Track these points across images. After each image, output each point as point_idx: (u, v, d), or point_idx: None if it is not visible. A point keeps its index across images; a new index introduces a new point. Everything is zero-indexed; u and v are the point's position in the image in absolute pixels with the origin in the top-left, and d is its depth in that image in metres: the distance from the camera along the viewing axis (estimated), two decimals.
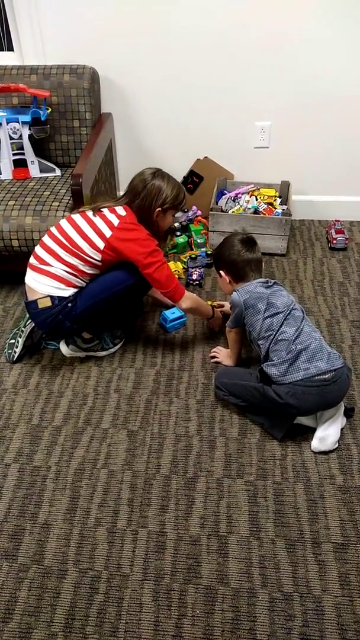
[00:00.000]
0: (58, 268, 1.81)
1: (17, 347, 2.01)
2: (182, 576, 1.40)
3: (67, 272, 1.82)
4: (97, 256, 1.81)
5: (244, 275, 1.81)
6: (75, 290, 1.87)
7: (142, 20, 2.33)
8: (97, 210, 1.83)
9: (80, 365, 2.03)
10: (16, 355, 2.01)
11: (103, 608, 1.35)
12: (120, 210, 1.84)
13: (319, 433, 1.68)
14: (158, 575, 1.41)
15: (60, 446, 1.74)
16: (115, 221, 1.80)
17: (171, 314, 2.17)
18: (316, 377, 1.60)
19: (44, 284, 1.83)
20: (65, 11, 2.32)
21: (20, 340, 2.01)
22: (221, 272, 1.88)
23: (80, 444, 1.74)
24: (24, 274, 1.91)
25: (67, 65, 2.33)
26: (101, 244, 1.79)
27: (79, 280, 1.85)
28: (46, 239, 1.85)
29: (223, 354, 1.99)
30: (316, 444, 1.68)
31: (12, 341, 2.03)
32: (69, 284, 1.84)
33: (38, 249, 1.85)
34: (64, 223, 1.85)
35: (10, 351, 2.02)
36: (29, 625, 1.32)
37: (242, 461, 1.68)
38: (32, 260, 1.86)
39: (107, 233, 1.78)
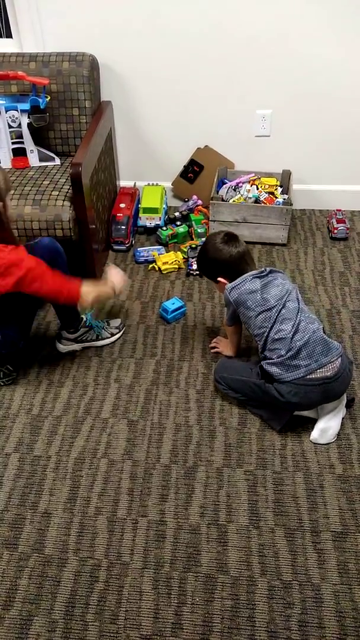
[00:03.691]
0: None
1: None
2: (181, 564, 1.41)
3: None
4: None
5: (241, 272, 1.73)
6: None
7: (142, 7, 2.29)
8: None
9: (80, 355, 2.03)
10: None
11: (103, 596, 1.36)
12: None
13: (320, 424, 1.68)
14: (158, 564, 1.41)
15: (61, 436, 1.75)
16: None
17: (171, 304, 2.16)
18: (319, 374, 1.59)
19: None
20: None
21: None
22: (220, 279, 1.78)
23: (81, 434, 1.75)
24: None
25: (66, 52, 2.30)
26: None
27: None
28: None
29: (223, 344, 1.99)
30: (316, 435, 1.68)
31: None
32: None
33: None
34: None
35: None
36: (30, 612, 1.33)
37: (241, 451, 1.68)
38: None
39: None
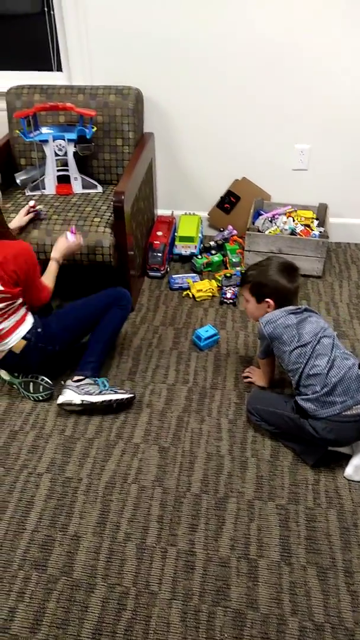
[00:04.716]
0: None
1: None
2: (210, 598, 1.39)
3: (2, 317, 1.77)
4: None
5: (288, 303, 1.75)
6: (25, 311, 1.83)
7: (185, 45, 2.39)
8: None
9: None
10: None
11: (130, 625, 1.34)
12: None
13: (355, 461, 1.65)
14: (186, 595, 1.39)
15: (92, 458, 1.75)
16: None
17: (205, 332, 2.18)
18: (354, 411, 1.57)
19: (4, 341, 1.80)
20: (114, 35, 2.40)
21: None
22: (269, 300, 1.76)
23: (112, 458, 1.75)
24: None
25: (113, 86, 2.40)
26: None
27: (10, 308, 1.77)
28: None
29: (256, 375, 1.99)
30: (351, 472, 1.65)
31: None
32: (11, 315, 1.79)
33: None
34: None
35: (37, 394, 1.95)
36: (57, 637, 1.32)
37: (273, 484, 1.66)
38: None
39: None
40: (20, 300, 1.80)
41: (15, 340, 1.81)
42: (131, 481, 1.68)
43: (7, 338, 1.80)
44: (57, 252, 1.98)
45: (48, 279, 1.92)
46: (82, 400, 1.84)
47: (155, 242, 2.58)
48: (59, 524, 1.57)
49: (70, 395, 1.85)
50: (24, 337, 1.82)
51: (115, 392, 1.87)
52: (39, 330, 1.84)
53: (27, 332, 1.82)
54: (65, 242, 2.00)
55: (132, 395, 1.89)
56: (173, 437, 1.82)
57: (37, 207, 2.16)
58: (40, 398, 1.94)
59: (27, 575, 1.45)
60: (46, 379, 1.93)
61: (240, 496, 1.62)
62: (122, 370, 2.08)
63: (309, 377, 1.63)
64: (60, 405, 1.87)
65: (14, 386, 1.99)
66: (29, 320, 1.84)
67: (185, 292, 2.49)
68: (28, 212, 2.14)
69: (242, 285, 1.87)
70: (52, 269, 1.95)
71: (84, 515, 1.59)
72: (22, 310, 1.83)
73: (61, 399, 1.86)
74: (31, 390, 1.93)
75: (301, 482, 1.66)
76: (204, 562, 1.46)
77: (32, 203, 2.15)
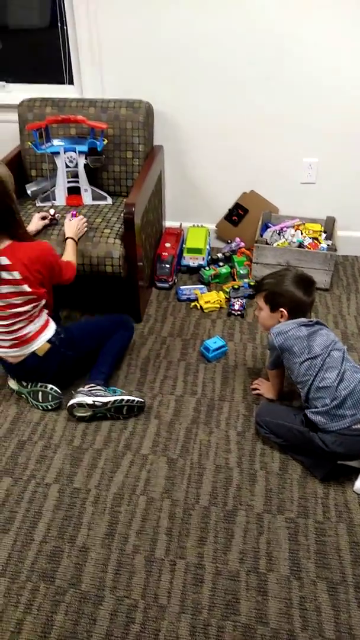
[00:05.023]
0: (21, 327, 1.79)
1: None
2: (220, 612, 1.38)
3: (26, 319, 1.79)
4: (24, 288, 1.71)
5: (302, 315, 1.77)
6: (47, 316, 1.88)
7: (195, 59, 2.42)
8: None
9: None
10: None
11: (139, 639, 1.33)
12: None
13: None
14: (196, 609, 1.38)
15: (100, 469, 1.75)
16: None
17: (213, 343, 2.18)
18: None
19: (29, 344, 1.83)
20: (125, 49, 2.43)
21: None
22: (283, 310, 1.77)
23: (120, 469, 1.75)
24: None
25: (124, 99, 2.42)
26: (17, 275, 1.68)
27: (35, 309, 1.81)
28: None
29: (265, 387, 1.99)
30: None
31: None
32: (36, 318, 1.83)
33: None
34: None
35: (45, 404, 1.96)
36: None
37: (282, 497, 1.65)
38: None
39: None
40: (43, 302, 1.83)
41: (40, 343, 1.85)
42: (139, 493, 1.67)
43: (32, 342, 1.84)
44: (69, 232, 2.09)
45: (69, 256, 1.99)
46: (94, 401, 1.85)
47: (164, 253, 2.60)
48: (67, 535, 1.56)
49: (82, 397, 1.86)
50: (48, 341, 1.86)
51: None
52: (62, 335, 1.89)
53: (52, 336, 1.87)
54: (72, 222, 2.12)
55: (142, 400, 1.91)
56: (181, 449, 1.81)
57: (56, 216, 2.23)
58: (49, 407, 1.94)
59: (35, 586, 1.44)
60: (55, 387, 1.93)
61: (249, 509, 1.62)
62: (130, 381, 2.09)
63: (319, 389, 1.63)
64: (72, 407, 1.86)
65: (23, 396, 2.00)
66: (52, 324, 1.90)
67: (193, 304, 2.50)
68: (44, 218, 2.19)
69: (257, 292, 1.87)
70: (69, 247, 2.04)
71: (92, 527, 1.58)
72: (45, 314, 1.88)
73: (72, 401, 1.86)
74: (40, 400, 1.93)
75: (310, 495, 1.65)
76: (213, 576, 1.45)
77: (52, 212, 2.21)
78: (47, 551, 1.52)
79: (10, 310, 1.74)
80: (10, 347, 1.83)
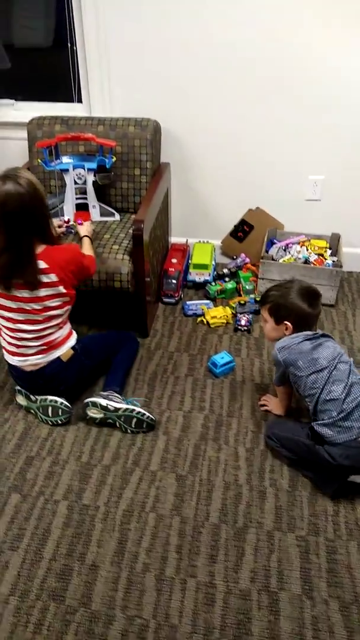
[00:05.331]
0: (51, 332, 1.85)
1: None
2: (232, 632, 1.36)
3: (56, 325, 1.86)
4: (60, 289, 1.77)
5: (307, 328, 1.77)
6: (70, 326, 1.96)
7: (202, 79, 2.45)
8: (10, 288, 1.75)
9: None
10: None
11: None
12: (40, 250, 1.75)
13: None
14: (207, 629, 1.37)
15: (109, 486, 1.74)
16: (42, 264, 1.72)
17: (220, 358, 2.19)
18: None
19: (55, 350, 1.88)
20: (133, 68, 2.47)
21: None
22: (287, 322, 1.77)
23: (129, 485, 1.74)
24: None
25: (132, 117, 2.46)
26: (54, 277, 1.74)
27: (65, 315, 1.90)
28: (11, 331, 1.83)
29: (273, 403, 1.99)
30: None
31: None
32: (65, 324, 1.92)
33: (21, 342, 1.84)
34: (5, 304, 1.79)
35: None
36: None
37: (292, 514, 1.64)
38: (27, 350, 1.86)
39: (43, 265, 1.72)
40: (70, 308, 1.90)
41: (65, 349, 1.90)
42: (149, 510, 1.67)
43: (59, 347, 1.89)
44: (84, 231, 2.17)
45: (88, 251, 2.06)
46: (107, 404, 1.89)
47: (170, 269, 2.61)
48: (76, 553, 1.55)
49: (98, 398, 1.91)
50: (72, 347, 1.92)
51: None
52: (81, 344, 1.96)
53: (75, 344, 1.94)
54: (85, 224, 2.22)
55: (153, 417, 1.92)
56: (190, 465, 1.81)
57: (71, 223, 2.28)
58: (59, 422, 1.94)
59: (45, 605, 1.43)
60: (65, 402, 1.93)
61: (259, 527, 1.61)
62: (138, 397, 2.08)
63: (326, 402, 1.63)
64: (86, 405, 1.91)
65: (32, 411, 2.00)
66: (75, 333, 1.97)
67: (199, 319, 2.51)
68: (59, 227, 2.24)
69: (261, 304, 1.87)
70: (87, 243, 2.11)
71: (101, 544, 1.57)
72: (69, 323, 1.96)
73: (88, 400, 1.91)
74: (50, 414, 1.93)
75: (320, 513, 1.65)
76: (224, 595, 1.44)
77: (66, 218, 2.29)
78: (56, 569, 1.51)
79: (45, 314, 1.80)
80: (35, 353, 1.86)
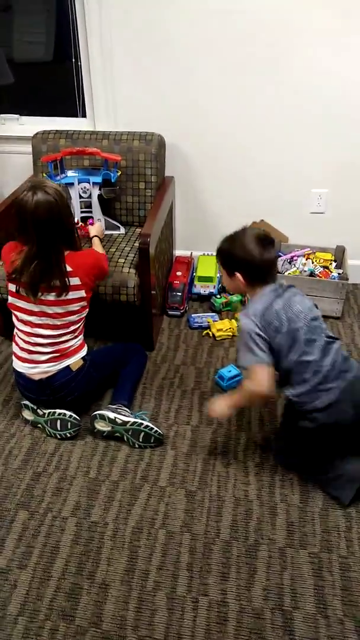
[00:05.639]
0: (66, 339, 1.87)
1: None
2: None
3: (72, 332, 1.88)
4: (82, 293, 1.83)
5: (261, 280, 1.61)
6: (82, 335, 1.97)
7: (206, 93, 2.47)
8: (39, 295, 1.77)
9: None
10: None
11: None
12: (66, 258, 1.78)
13: None
14: None
15: (118, 502, 1.72)
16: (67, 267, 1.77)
17: (227, 372, 2.17)
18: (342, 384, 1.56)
19: (66, 359, 1.89)
20: (137, 83, 2.49)
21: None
22: (237, 274, 1.60)
23: (138, 502, 1.72)
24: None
25: (136, 132, 2.47)
26: (77, 281, 1.80)
27: (81, 323, 1.93)
28: (27, 335, 1.85)
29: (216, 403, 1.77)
30: None
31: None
32: (81, 333, 1.95)
33: (34, 347, 1.85)
34: (23, 306, 1.82)
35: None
36: None
37: (305, 530, 1.62)
38: (39, 357, 1.86)
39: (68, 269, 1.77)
40: (85, 314, 1.92)
41: (76, 358, 1.91)
42: (158, 526, 1.64)
43: (70, 357, 1.90)
44: (94, 232, 2.23)
45: (99, 249, 2.12)
46: (115, 417, 1.88)
47: (175, 281, 2.61)
48: (85, 572, 1.53)
49: (107, 411, 1.90)
50: (82, 358, 1.93)
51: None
52: (90, 356, 1.97)
53: (85, 355, 1.94)
54: (95, 224, 2.29)
55: (161, 432, 1.90)
56: (199, 481, 1.79)
57: (80, 225, 2.34)
58: (68, 435, 1.93)
59: (54, 626, 1.40)
60: (74, 415, 1.92)
61: (271, 543, 1.59)
62: (145, 410, 2.07)
63: (300, 365, 1.56)
64: (94, 417, 1.90)
65: (39, 426, 1.98)
66: (86, 345, 1.98)
67: (205, 332, 2.50)
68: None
69: (216, 255, 1.72)
70: (97, 242, 2.18)
71: (111, 562, 1.55)
72: (83, 335, 1.97)
73: (94, 413, 1.91)
74: (58, 428, 1.92)
75: (333, 529, 1.62)
76: (237, 614, 1.42)
77: (75, 219, 2.28)
78: (65, 588, 1.49)
79: (65, 319, 1.83)
80: (46, 360, 1.86)
